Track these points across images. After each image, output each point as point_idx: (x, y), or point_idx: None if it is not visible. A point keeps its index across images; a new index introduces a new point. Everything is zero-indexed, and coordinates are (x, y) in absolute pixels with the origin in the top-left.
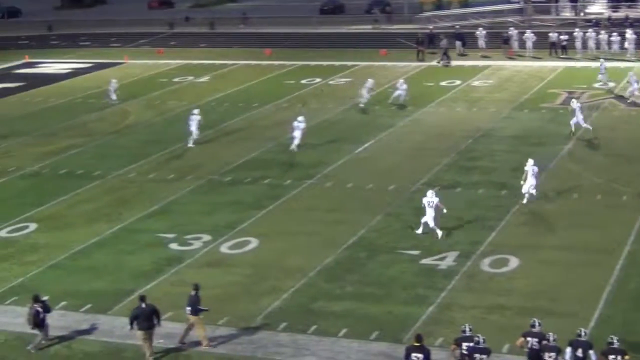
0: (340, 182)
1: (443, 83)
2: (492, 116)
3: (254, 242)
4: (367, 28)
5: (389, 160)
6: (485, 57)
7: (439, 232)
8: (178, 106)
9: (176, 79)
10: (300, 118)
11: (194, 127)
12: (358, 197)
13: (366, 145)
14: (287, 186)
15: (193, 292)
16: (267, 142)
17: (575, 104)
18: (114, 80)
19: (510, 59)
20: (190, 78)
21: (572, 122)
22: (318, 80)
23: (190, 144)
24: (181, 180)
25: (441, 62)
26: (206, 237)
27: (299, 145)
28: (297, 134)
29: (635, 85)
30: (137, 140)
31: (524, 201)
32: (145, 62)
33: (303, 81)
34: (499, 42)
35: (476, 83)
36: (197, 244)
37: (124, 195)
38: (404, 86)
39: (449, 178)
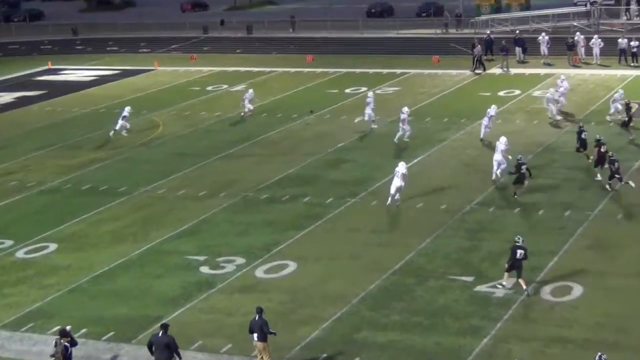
0: (387, 201)
1: (501, 93)
2: (554, 129)
3: (291, 266)
4: (418, 33)
5: (441, 176)
6: (547, 65)
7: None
8: (211, 117)
9: (209, 88)
10: (405, 109)
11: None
12: (406, 217)
13: (416, 160)
14: (329, 205)
15: (257, 317)
16: (307, 156)
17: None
18: (250, 90)
19: (575, 66)
20: (225, 87)
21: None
22: (364, 89)
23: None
24: (213, 198)
25: (475, 70)
26: (240, 260)
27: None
28: (405, 126)
29: None
30: (166, 153)
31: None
32: (177, 69)
33: (347, 90)
34: (563, 48)
35: (537, 93)
36: (229, 268)
37: (152, 214)
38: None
39: (507, 197)
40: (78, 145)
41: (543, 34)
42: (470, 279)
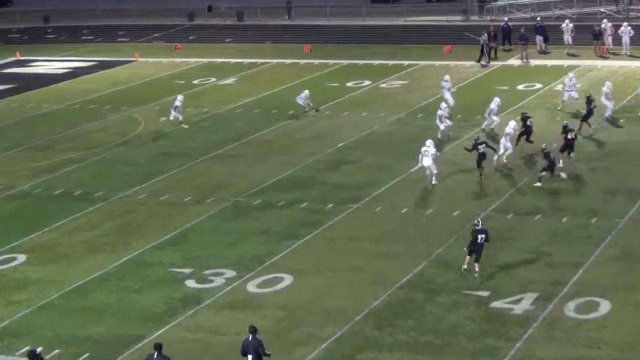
0: (393, 207)
1: (520, 87)
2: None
3: (287, 280)
4: (428, 20)
5: (453, 180)
6: (571, 56)
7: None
8: (198, 113)
9: (196, 81)
10: (443, 105)
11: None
12: (414, 225)
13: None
14: (329, 211)
15: (250, 337)
16: (304, 157)
17: None
18: (305, 92)
19: (603, 57)
20: (213, 80)
21: None
22: (367, 82)
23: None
24: (200, 203)
25: (481, 61)
26: (230, 273)
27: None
28: (444, 123)
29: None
30: (147, 154)
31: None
32: (160, 61)
33: (349, 84)
34: (589, 37)
35: (560, 87)
36: (218, 281)
37: (131, 221)
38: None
39: (527, 203)
40: (49, 145)
41: (567, 21)
42: (485, 293)
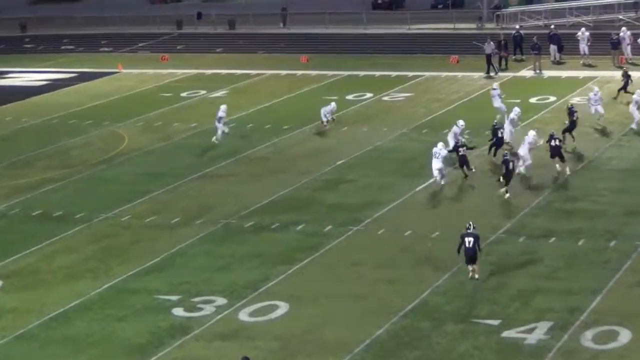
0: (396, 229)
1: (533, 100)
2: (596, 143)
3: (282, 308)
4: (433, 28)
5: (461, 200)
6: (588, 66)
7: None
8: (185, 129)
9: (184, 94)
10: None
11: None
12: (419, 249)
13: (430, 180)
14: (327, 234)
15: None
16: (301, 176)
17: None
18: (332, 104)
19: (621, 68)
20: (203, 92)
21: None
22: (369, 95)
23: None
24: (189, 225)
25: (490, 72)
26: (220, 301)
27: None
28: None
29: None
30: (132, 173)
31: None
32: (145, 72)
33: (349, 97)
34: (607, 46)
35: (576, 100)
36: (208, 309)
37: (114, 245)
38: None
39: (540, 225)
40: (27, 162)
41: (583, 29)
42: (496, 322)
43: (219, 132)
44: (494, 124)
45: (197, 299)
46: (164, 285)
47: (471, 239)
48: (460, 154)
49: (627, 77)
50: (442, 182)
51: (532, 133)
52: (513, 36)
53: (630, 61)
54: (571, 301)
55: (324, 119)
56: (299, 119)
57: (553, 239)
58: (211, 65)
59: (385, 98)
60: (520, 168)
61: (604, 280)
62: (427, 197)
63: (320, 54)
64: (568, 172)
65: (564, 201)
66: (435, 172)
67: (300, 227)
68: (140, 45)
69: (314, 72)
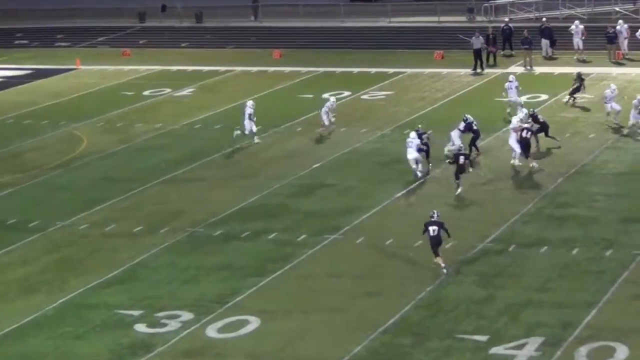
0: (377, 238)
1: (523, 98)
2: (591, 145)
3: (253, 323)
4: (416, 21)
5: (445, 207)
6: (582, 62)
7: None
8: (149, 130)
9: (147, 92)
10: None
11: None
12: (401, 258)
13: (413, 185)
14: (301, 243)
15: None
16: (273, 180)
17: None
18: (332, 99)
19: (618, 64)
20: (168, 91)
21: None
22: (347, 93)
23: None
24: (152, 234)
25: (477, 69)
26: (186, 316)
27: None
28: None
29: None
30: (90, 177)
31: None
32: (105, 69)
33: (325, 95)
34: (603, 40)
35: (569, 98)
36: (173, 325)
37: (72, 255)
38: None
39: (531, 233)
40: None
41: (577, 22)
42: (483, 338)
43: (252, 129)
44: (532, 111)
45: (161, 314)
46: (125, 300)
47: (435, 227)
48: (460, 162)
49: (580, 80)
50: (419, 173)
51: (515, 119)
52: (502, 30)
53: (627, 57)
54: (564, 315)
55: (326, 121)
56: (271, 119)
57: (544, 248)
58: (176, 61)
59: (365, 96)
60: (513, 161)
61: (600, 293)
62: (410, 203)
63: (294, 49)
64: (535, 166)
65: (556, 207)
66: (411, 162)
67: (272, 235)
68: (100, 39)
69: (287, 69)
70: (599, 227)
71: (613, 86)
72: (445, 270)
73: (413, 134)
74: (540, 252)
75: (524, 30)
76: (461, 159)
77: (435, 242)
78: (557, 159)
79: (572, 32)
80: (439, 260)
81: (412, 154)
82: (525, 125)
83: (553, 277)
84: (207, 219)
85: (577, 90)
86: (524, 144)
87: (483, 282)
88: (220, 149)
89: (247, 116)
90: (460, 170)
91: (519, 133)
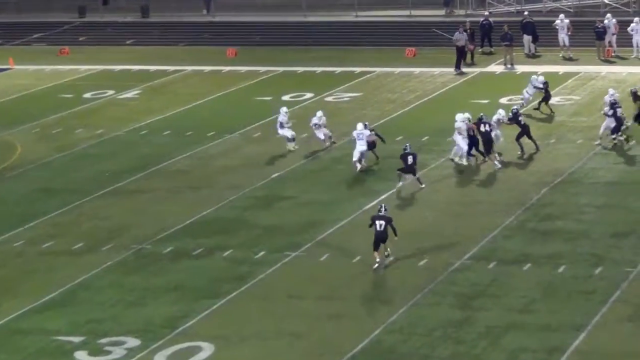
0: (343, 255)
1: (503, 100)
2: (578, 152)
3: (206, 350)
4: (386, 15)
5: (419, 220)
6: (568, 60)
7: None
8: (90, 136)
9: (88, 95)
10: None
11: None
12: (370, 277)
13: (382, 196)
14: (259, 261)
15: None
16: (228, 192)
17: None
18: (318, 113)
19: (608, 62)
20: (111, 93)
21: None
22: (309, 95)
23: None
24: (94, 252)
25: (461, 68)
26: (132, 342)
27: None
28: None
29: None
30: (25, 189)
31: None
32: (41, 69)
33: (285, 97)
34: (591, 36)
35: (554, 100)
36: (117, 352)
37: (4, 275)
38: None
39: (513, 248)
40: None
41: (562, 16)
42: None
43: (321, 136)
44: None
45: (104, 340)
46: (65, 325)
47: (382, 222)
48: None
49: (545, 84)
50: (359, 169)
51: (459, 117)
52: (481, 24)
53: (616, 54)
54: (550, 339)
55: (321, 136)
56: (225, 124)
57: (528, 265)
58: (120, 60)
59: (329, 98)
60: (456, 158)
61: (589, 314)
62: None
63: (251, 46)
64: (497, 165)
65: (540, 220)
66: (357, 155)
67: (227, 253)
68: (35, 36)
69: (243, 68)
70: (588, 241)
71: (612, 91)
72: (377, 265)
73: (360, 126)
74: (523, 270)
75: (504, 25)
76: (408, 159)
77: (380, 237)
78: (541, 166)
79: (557, 27)
80: (376, 255)
81: (362, 146)
82: (486, 121)
83: (537, 297)
84: (155, 235)
85: (546, 99)
86: (485, 139)
87: (461, 303)
88: (169, 157)
89: (279, 125)
90: (410, 170)
91: (472, 130)
